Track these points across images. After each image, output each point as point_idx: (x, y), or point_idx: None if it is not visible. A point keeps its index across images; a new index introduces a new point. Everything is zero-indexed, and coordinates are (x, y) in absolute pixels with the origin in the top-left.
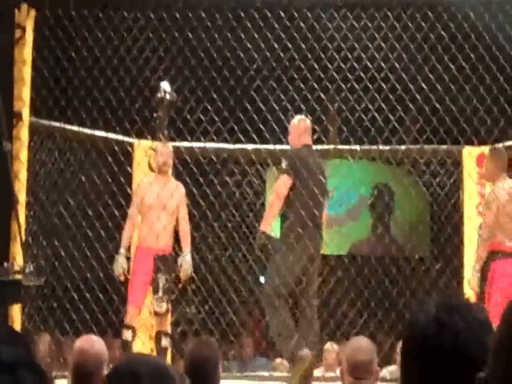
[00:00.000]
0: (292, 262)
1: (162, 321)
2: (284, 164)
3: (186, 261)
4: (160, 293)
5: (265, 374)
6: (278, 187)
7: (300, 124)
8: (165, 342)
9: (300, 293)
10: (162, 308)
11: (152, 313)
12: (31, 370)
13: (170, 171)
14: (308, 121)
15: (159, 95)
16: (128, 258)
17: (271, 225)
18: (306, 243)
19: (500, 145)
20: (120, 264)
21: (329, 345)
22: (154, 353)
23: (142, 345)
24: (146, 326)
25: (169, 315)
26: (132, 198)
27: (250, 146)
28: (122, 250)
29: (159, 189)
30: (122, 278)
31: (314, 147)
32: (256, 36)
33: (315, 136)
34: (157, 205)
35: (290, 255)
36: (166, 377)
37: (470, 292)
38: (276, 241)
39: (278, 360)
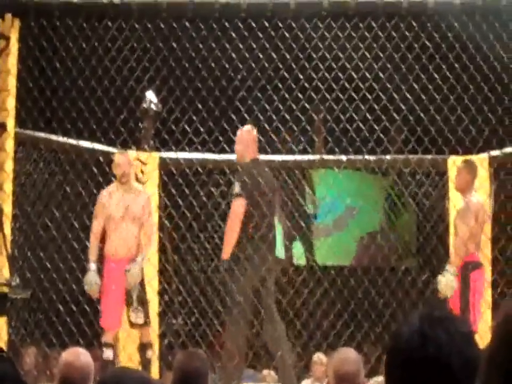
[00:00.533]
0: (243, 285)
1: (144, 333)
2: (236, 188)
3: (133, 267)
4: (135, 304)
5: None
6: (234, 212)
7: (247, 135)
8: (149, 353)
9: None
10: (140, 318)
11: (131, 326)
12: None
13: (132, 178)
14: (255, 132)
15: (144, 105)
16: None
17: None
18: (257, 265)
19: (485, 154)
20: (94, 282)
21: (316, 357)
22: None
23: (128, 359)
24: (132, 338)
25: (152, 326)
26: (94, 211)
27: (236, 157)
28: (92, 265)
29: (122, 200)
30: (96, 296)
31: (299, 157)
32: (240, 45)
33: (301, 146)
34: (122, 215)
35: (241, 278)
36: None
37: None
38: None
39: (265, 371)
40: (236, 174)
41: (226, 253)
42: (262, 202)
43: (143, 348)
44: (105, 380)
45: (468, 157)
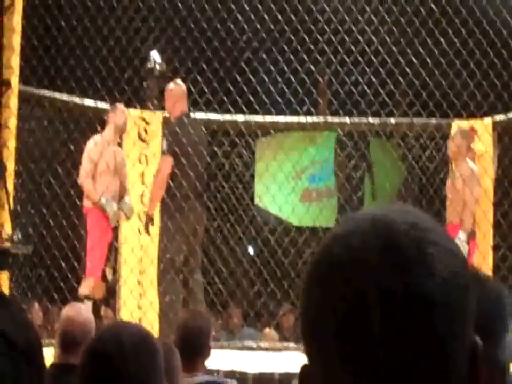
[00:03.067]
0: (173, 233)
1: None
2: (164, 145)
3: (127, 202)
4: (111, 260)
5: (253, 344)
6: (161, 169)
7: (175, 90)
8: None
9: (183, 264)
10: (111, 275)
11: (104, 280)
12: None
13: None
14: (184, 87)
15: (149, 65)
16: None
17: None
18: (187, 214)
19: (489, 118)
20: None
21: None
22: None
23: (130, 315)
24: (133, 295)
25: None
26: (88, 156)
27: (240, 118)
28: (107, 197)
29: (114, 151)
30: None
31: (303, 119)
32: (246, 7)
33: (305, 108)
34: (114, 168)
35: (171, 226)
36: (150, 347)
37: None
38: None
39: (266, 330)
40: (164, 133)
41: (151, 208)
42: (185, 161)
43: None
44: (102, 335)
45: (472, 121)
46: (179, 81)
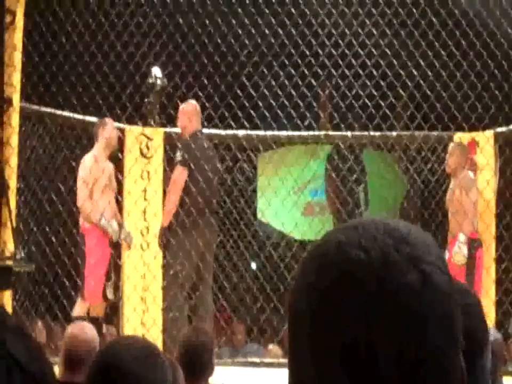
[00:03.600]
0: (189, 249)
1: (102, 307)
2: (178, 155)
3: (127, 232)
4: (112, 279)
5: (257, 360)
6: (175, 179)
7: (189, 108)
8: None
9: (198, 279)
10: (112, 294)
11: (105, 300)
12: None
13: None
14: (197, 106)
15: (150, 81)
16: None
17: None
18: (203, 230)
19: (491, 131)
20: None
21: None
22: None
23: (133, 332)
24: (137, 312)
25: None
26: (83, 177)
27: (241, 132)
28: (107, 217)
29: (106, 167)
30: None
31: (305, 133)
32: (247, 21)
33: (306, 123)
34: (107, 182)
35: (187, 242)
36: (155, 361)
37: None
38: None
39: (270, 346)
40: (178, 146)
41: (166, 220)
42: (206, 169)
43: (95, 321)
44: (106, 350)
45: (474, 134)
46: (192, 101)
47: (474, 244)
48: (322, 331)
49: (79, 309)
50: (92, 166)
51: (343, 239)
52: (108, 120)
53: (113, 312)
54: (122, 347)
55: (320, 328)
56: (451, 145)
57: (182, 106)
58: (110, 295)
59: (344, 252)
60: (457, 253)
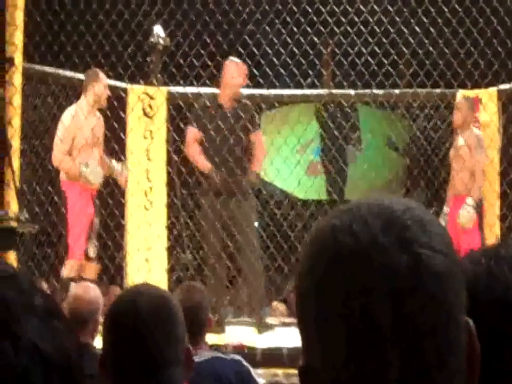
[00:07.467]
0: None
1: (92, 268)
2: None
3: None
4: (93, 237)
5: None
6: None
7: (233, 64)
8: None
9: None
10: (94, 253)
11: (87, 259)
12: (60, 319)
13: None
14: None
15: (152, 40)
16: None
17: None
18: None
19: (494, 88)
20: (98, 170)
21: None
22: None
23: None
24: (141, 272)
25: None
26: (66, 131)
27: (244, 91)
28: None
29: (95, 123)
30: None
31: (308, 91)
32: None
33: (308, 81)
34: (94, 139)
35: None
36: (168, 311)
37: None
38: None
39: (274, 303)
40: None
41: (204, 166)
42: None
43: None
44: (119, 300)
45: (477, 91)
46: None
47: (479, 203)
48: (322, 316)
49: (68, 269)
50: (76, 119)
51: (337, 223)
52: (101, 75)
53: (117, 272)
54: (140, 295)
55: (320, 312)
56: (458, 99)
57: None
58: (91, 253)
59: (335, 238)
60: (465, 217)
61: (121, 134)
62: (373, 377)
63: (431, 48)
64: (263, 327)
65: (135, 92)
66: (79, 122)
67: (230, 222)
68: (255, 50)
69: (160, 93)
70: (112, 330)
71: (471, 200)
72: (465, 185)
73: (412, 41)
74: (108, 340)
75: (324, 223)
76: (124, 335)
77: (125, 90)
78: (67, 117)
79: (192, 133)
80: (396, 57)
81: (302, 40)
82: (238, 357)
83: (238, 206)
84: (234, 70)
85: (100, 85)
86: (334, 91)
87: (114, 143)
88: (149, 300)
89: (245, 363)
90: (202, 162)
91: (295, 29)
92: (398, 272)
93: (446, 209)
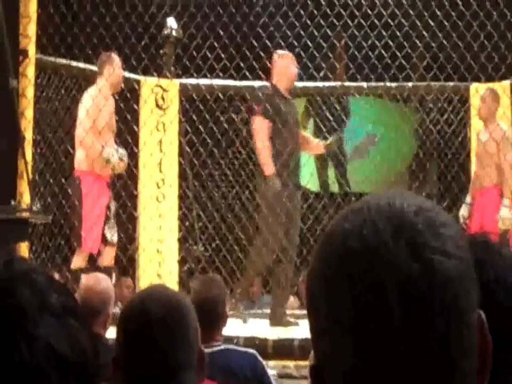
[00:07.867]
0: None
1: (111, 254)
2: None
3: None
4: (112, 221)
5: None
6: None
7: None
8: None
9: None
10: (115, 237)
11: (106, 244)
12: (76, 317)
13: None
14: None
15: (165, 32)
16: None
17: None
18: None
19: (507, 81)
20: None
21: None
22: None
23: (149, 283)
24: (153, 264)
25: (173, 252)
26: (87, 116)
27: (256, 83)
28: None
29: (112, 107)
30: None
31: (321, 84)
32: None
33: (321, 74)
34: (110, 125)
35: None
36: (180, 314)
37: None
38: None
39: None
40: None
41: (268, 169)
42: (283, 128)
43: (107, 270)
44: (132, 302)
45: (490, 84)
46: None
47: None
48: (332, 318)
49: (78, 260)
50: (96, 102)
51: (347, 227)
52: (116, 59)
53: (129, 263)
54: (151, 299)
55: (330, 316)
56: (483, 91)
57: (276, 57)
58: (110, 237)
59: (344, 243)
60: (505, 219)
61: (134, 126)
62: (383, 379)
63: (444, 41)
64: (284, 323)
65: (148, 84)
66: (100, 104)
67: (293, 213)
68: (269, 43)
69: (173, 85)
70: (124, 335)
71: (507, 201)
72: (494, 179)
73: (426, 34)
74: (120, 344)
75: (336, 225)
76: (136, 340)
77: (138, 82)
78: (87, 99)
79: (264, 125)
80: (409, 50)
81: (316, 33)
82: (252, 351)
83: (298, 200)
84: (291, 61)
85: (115, 69)
86: (347, 84)
87: (127, 135)
88: (160, 304)
89: (259, 358)
90: (269, 166)
91: (308, 22)
92: (409, 280)
93: (468, 199)
